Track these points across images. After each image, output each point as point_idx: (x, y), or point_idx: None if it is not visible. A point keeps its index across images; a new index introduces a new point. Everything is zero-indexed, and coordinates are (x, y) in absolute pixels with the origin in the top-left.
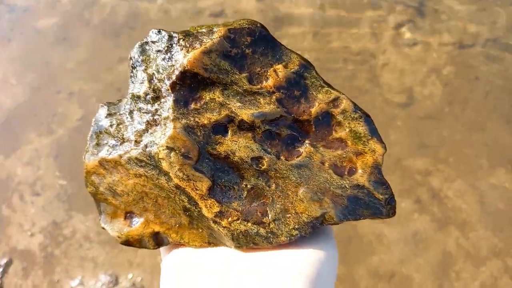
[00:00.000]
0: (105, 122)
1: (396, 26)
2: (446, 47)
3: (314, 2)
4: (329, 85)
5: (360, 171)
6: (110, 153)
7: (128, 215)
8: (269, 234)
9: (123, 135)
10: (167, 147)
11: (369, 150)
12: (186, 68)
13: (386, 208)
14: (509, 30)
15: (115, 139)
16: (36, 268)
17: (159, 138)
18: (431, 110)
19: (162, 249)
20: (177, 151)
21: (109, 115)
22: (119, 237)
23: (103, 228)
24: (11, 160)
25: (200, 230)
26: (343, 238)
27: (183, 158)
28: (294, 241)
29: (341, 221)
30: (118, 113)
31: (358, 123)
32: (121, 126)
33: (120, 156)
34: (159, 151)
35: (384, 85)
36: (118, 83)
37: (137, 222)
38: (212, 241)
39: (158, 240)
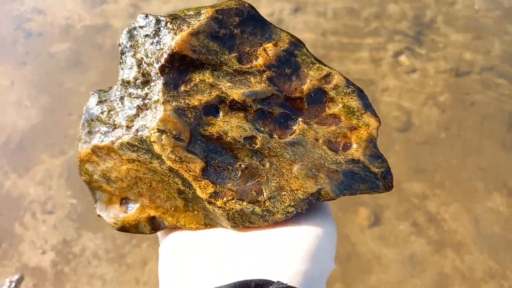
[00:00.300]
0: (96, 110)
1: (395, 54)
2: (443, 74)
3: (317, 28)
4: (320, 62)
5: (354, 145)
6: (102, 140)
7: (124, 201)
8: (265, 212)
9: (114, 121)
10: (158, 130)
11: (363, 124)
12: (175, 51)
13: (382, 181)
14: (504, 58)
15: (107, 125)
16: (47, 285)
17: (150, 122)
18: (428, 135)
19: (159, 234)
20: (168, 134)
21: (100, 102)
22: (115, 223)
23: (99, 215)
24: (24, 179)
25: (196, 212)
26: (343, 257)
27: (175, 140)
28: (291, 219)
29: (337, 196)
30: (108, 100)
31: (351, 98)
32: (112, 112)
33: (113, 142)
34: (151, 134)
35: (383, 110)
36: None
37: (133, 207)
38: (208, 222)
39: (154, 225)
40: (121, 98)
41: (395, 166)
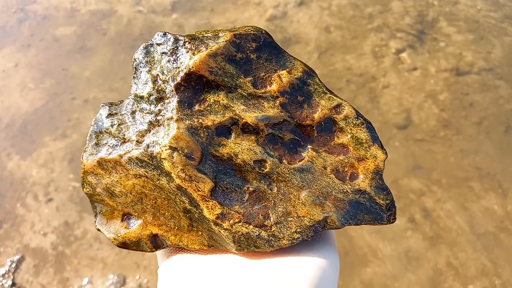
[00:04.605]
0: (105, 122)
1: (397, 51)
2: (444, 73)
3: (320, 23)
4: (331, 92)
5: (361, 176)
6: (110, 153)
7: (126, 217)
8: (271, 237)
9: (124, 135)
10: (170, 147)
11: (370, 156)
12: (192, 70)
13: (386, 213)
14: (503, 60)
15: (116, 139)
16: (48, 266)
17: (162, 138)
18: (427, 133)
19: (159, 254)
20: (180, 152)
21: (110, 115)
22: (115, 239)
23: (98, 229)
24: (27, 161)
25: (200, 233)
26: (340, 250)
27: (186, 159)
28: (295, 247)
29: (342, 225)
30: (119, 114)
31: (360, 130)
32: (122, 126)
33: (121, 156)
34: (162, 151)
35: (384, 106)
36: None
37: (135, 223)
38: (212, 244)
39: (156, 243)
40: (133, 113)
41: (394, 162)
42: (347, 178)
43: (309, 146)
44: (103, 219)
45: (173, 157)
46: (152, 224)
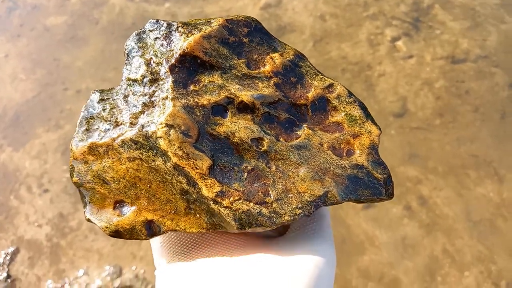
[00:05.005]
0: (97, 108)
1: (393, 39)
2: (439, 61)
3: (315, 12)
4: (322, 74)
5: (358, 151)
6: (101, 137)
7: (118, 204)
8: (272, 214)
9: (116, 118)
10: (167, 125)
11: (365, 131)
12: (186, 51)
13: (385, 188)
14: (499, 47)
15: (108, 123)
16: (43, 258)
17: (158, 117)
18: (423, 121)
19: (156, 255)
20: (177, 129)
21: (102, 100)
22: (107, 227)
23: (89, 220)
24: (20, 153)
25: (198, 216)
26: (337, 238)
27: (183, 136)
28: (292, 244)
29: (343, 200)
30: (111, 98)
31: (353, 107)
32: (114, 110)
33: (113, 140)
34: (158, 129)
35: (380, 95)
36: None
37: (128, 210)
38: (211, 226)
39: (151, 229)
40: (125, 97)
41: (390, 150)
42: (344, 154)
43: (304, 125)
44: (93, 208)
45: (169, 135)
46: (147, 210)
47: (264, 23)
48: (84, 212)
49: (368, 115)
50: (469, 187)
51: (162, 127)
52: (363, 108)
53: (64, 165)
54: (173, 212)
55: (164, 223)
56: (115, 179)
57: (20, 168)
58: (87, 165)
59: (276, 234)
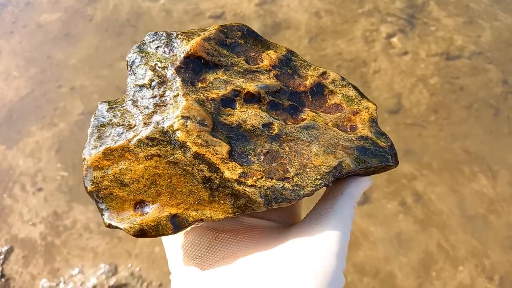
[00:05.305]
0: (107, 116)
1: (388, 36)
2: (434, 57)
3: (310, 8)
4: (314, 65)
5: (360, 126)
6: (116, 141)
7: (138, 205)
8: (295, 187)
9: (129, 122)
10: (183, 117)
11: (363, 108)
12: (190, 52)
13: (390, 155)
14: (493, 44)
15: (121, 127)
16: (37, 256)
17: (172, 112)
18: (418, 117)
19: (171, 260)
20: (193, 120)
21: (111, 108)
22: (131, 227)
23: (109, 225)
24: (13, 151)
25: (222, 202)
26: None
27: (200, 126)
28: (303, 232)
29: (356, 168)
30: (120, 106)
31: (348, 89)
32: (126, 115)
33: (129, 141)
34: (174, 122)
35: (375, 91)
36: (119, 80)
37: (151, 208)
38: (237, 210)
39: (177, 223)
40: (134, 102)
41: None
42: (348, 130)
43: (307, 109)
44: (112, 213)
45: (186, 126)
46: (170, 205)
47: (259, 19)
48: (103, 219)
49: (362, 95)
50: (463, 183)
51: (178, 120)
52: (357, 89)
53: (58, 163)
54: (196, 202)
55: (189, 214)
56: (134, 179)
57: (13, 166)
58: (103, 171)
59: (287, 225)
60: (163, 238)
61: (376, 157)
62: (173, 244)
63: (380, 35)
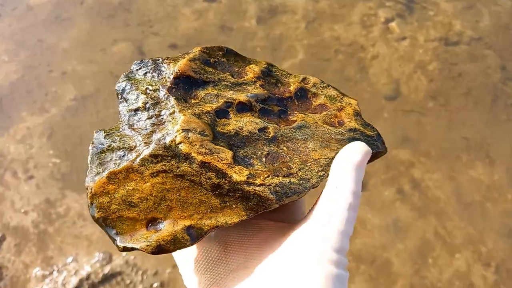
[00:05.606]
0: (105, 142)
1: (386, 20)
2: (432, 43)
3: None
4: (294, 74)
5: (347, 120)
6: (119, 164)
7: (151, 223)
8: (301, 181)
9: (129, 144)
10: (183, 130)
11: (346, 104)
12: (179, 73)
13: (379, 142)
14: (492, 29)
15: (121, 150)
16: (30, 245)
17: (172, 128)
18: (416, 104)
19: (186, 280)
20: (193, 131)
21: (108, 135)
22: (148, 245)
23: (123, 248)
24: (4, 138)
25: (234, 206)
26: None
27: (201, 136)
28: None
29: None
30: (117, 131)
31: (329, 90)
32: (124, 139)
33: (132, 162)
34: (176, 136)
35: (373, 77)
36: (112, 65)
37: (164, 224)
38: (249, 211)
39: (194, 234)
40: (131, 126)
41: (383, 133)
42: (337, 125)
43: (295, 112)
44: (125, 236)
45: (188, 138)
46: (183, 218)
47: (256, 3)
48: (116, 244)
49: (342, 93)
50: (461, 170)
51: (180, 133)
52: (336, 89)
53: (50, 150)
54: (209, 211)
55: (204, 223)
56: (143, 198)
57: (4, 153)
58: (109, 195)
59: (292, 223)
60: (175, 255)
61: (367, 145)
62: (185, 261)
63: (378, 20)
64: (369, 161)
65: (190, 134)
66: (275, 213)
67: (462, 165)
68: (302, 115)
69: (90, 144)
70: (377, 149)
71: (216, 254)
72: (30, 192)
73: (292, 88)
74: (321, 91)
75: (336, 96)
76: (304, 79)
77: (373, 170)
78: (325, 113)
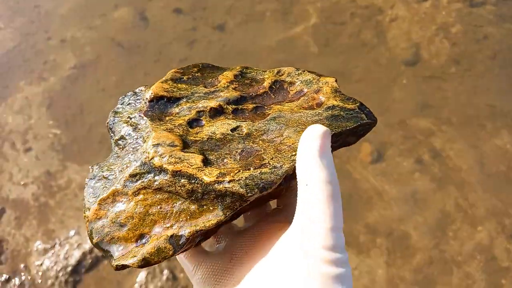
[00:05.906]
0: (98, 173)
1: None
2: (456, 4)
3: None
4: (269, 69)
5: (325, 99)
6: (106, 191)
7: (139, 240)
8: (273, 169)
9: (115, 171)
10: (153, 145)
11: (323, 84)
12: (152, 96)
13: (363, 113)
14: None
15: (109, 177)
16: (30, 218)
17: (146, 146)
18: (437, 69)
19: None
20: (163, 144)
21: (100, 167)
22: (135, 261)
23: (117, 266)
24: (1, 108)
25: (211, 208)
26: (344, 193)
27: (170, 147)
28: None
29: (331, 132)
30: (107, 162)
31: (305, 75)
32: (112, 167)
33: (117, 186)
34: (149, 152)
35: (391, 42)
36: (113, 32)
37: (149, 238)
38: (226, 210)
39: (175, 243)
40: (118, 155)
41: (401, 101)
42: (315, 107)
43: (271, 105)
44: (120, 256)
45: (158, 151)
46: (165, 229)
47: None
48: (111, 264)
49: (319, 74)
50: (484, 139)
51: (150, 149)
52: (313, 72)
53: (50, 120)
54: (189, 217)
55: (185, 231)
56: (129, 217)
57: (2, 124)
58: (101, 220)
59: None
60: (185, 267)
61: (349, 120)
62: (193, 272)
63: None
64: (361, 135)
65: (159, 148)
66: (281, 216)
67: (486, 134)
68: (278, 106)
69: (86, 179)
70: (361, 121)
71: (222, 266)
72: (29, 164)
73: (266, 83)
74: (296, 78)
75: (312, 79)
76: (278, 72)
77: (390, 141)
78: (303, 98)
